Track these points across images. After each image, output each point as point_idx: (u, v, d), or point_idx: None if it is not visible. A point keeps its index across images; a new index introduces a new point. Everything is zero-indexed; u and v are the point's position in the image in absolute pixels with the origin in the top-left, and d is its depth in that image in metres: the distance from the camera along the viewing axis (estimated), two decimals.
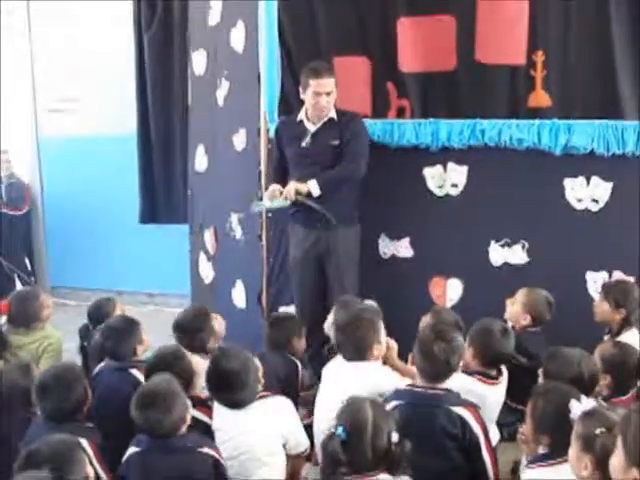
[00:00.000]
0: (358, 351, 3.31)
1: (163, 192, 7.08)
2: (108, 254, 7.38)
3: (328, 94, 4.27)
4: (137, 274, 7.10)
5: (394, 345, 3.59)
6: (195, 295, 5.80)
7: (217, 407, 3.14)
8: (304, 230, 4.48)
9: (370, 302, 4.32)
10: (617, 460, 1.77)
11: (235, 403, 3.03)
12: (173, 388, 2.84)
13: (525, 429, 2.70)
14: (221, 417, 3.10)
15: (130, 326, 3.65)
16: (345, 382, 3.19)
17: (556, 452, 2.50)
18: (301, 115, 4.43)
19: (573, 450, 2.16)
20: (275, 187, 4.36)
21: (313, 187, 4.24)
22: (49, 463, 2.09)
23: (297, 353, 3.89)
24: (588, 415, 2.21)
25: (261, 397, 3.12)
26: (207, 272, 5.61)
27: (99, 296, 4.57)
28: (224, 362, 3.06)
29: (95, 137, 7.32)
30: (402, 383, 3.21)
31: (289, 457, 3.18)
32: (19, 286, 7.44)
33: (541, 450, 2.60)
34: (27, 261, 7.89)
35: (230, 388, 3.01)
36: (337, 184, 4.32)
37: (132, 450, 2.83)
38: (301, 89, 4.36)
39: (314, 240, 4.45)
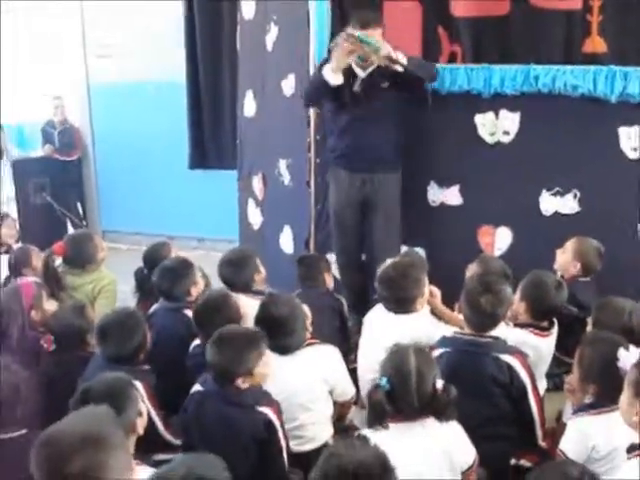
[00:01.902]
0: (402, 305, 3.33)
1: (212, 138, 7.12)
2: (158, 199, 7.49)
3: None
4: (187, 219, 7.20)
5: (437, 293, 3.60)
6: (243, 240, 5.87)
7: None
8: (348, 174, 4.42)
9: (417, 250, 4.34)
10: None
11: (282, 349, 3.05)
12: (251, 332, 2.89)
13: (572, 378, 2.71)
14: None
15: (185, 267, 3.70)
16: (390, 333, 3.17)
17: (602, 401, 2.52)
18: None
19: (625, 396, 2.15)
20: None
21: (401, 57, 4.11)
22: (104, 399, 2.14)
23: (328, 288, 3.92)
24: None
25: (309, 344, 3.15)
26: (255, 218, 5.66)
27: (150, 240, 4.65)
28: (273, 308, 3.08)
29: (144, 83, 7.39)
30: (448, 331, 3.21)
31: (336, 403, 3.23)
32: (71, 230, 7.63)
33: (587, 399, 2.61)
34: (79, 206, 8.05)
35: (278, 334, 3.02)
36: (421, 69, 4.21)
37: (196, 388, 2.87)
38: None
39: (359, 185, 4.40)
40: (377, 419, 2.43)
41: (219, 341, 2.76)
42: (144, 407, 2.54)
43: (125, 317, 3.19)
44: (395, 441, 2.26)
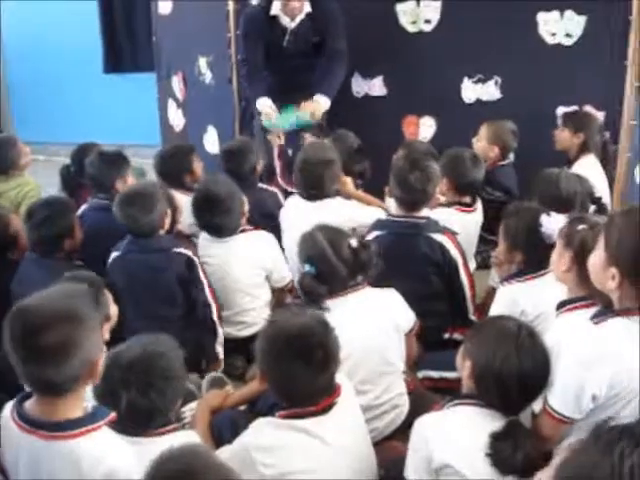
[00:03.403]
0: (318, 190, 3.37)
1: (126, 40, 6.91)
2: (75, 107, 7.26)
3: None
4: (107, 126, 6.97)
5: (347, 179, 3.68)
6: (166, 144, 5.75)
7: (202, 238, 3.25)
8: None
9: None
10: (597, 258, 1.84)
11: (219, 229, 3.14)
12: (155, 191, 3.01)
13: (498, 251, 2.79)
14: (206, 248, 3.20)
15: (121, 158, 3.66)
16: (306, 221, 3.25)
17: (529, 268, 2.61)
18: (275, 10, 4.15)
19: (555, 250, 2.23)
20: (268, 107, 4.17)
21: (325, 103, 4.12)
22: None
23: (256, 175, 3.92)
24: (575, 218, 2.27)
25: (243, 230, 3.21)
26: (177, 120, 5.55)
27: (68, 150, 4.50)
28: (212, 186, 3.18)
29: None
30: (369, 212, 3.35)
31: (273, 291, 3.30)
32: None
33: (515, 268, 2.71)
34: None
35: (216, 212, 3.10)
36: (337, 87, 4.21)
37: (114, 254, 3.03)
38: None
39: None
40: (315, 302, 2.47)
41: (125, 199, 2.97)
42: (113, 310, 2.52)
43: (51, 199, 3.24)
44: (339, 315, 2.31)
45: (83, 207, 3.60)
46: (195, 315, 3.05)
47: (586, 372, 1.76)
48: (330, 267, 2.45)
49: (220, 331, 3.06)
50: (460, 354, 1.97)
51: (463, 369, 1.92)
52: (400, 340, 2.51)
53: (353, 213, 3.37)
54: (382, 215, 3.30)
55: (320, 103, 4.10)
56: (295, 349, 1.90)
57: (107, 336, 2.33)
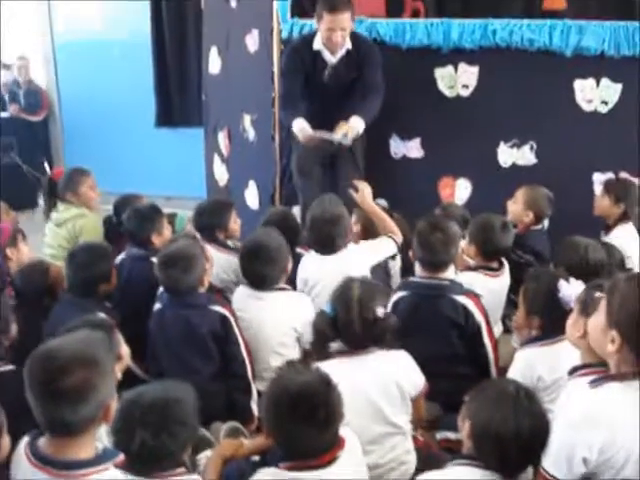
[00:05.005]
0: (329, 247, 3.43)
1: (178, 95, 7.19)
2: (125, 158, 7.50)
3: (343, 29, 4.11)
4: (154, 177, 7.21)
5: (365, 187, 3.75)
6: (210, 197, 5.90)
7: (239, 293, 3.33)
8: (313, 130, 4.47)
9: (381, 201, 4.43)
10: (598, 321, 1.87)
11: (263, 279, 3.20)
12: (195, 252, 3.07)
13: (518, 315, 2.81)
14: (241, 302, 3.27)
15: (154, 212, 3.77)
16: (320, 275, 3.38)
17: (547, 333, 2.63)
18: (318, 44, 4.24)
19: (571, 315, 2.24)
20: (304, 127, 4.18)
21: (359, 126, 4.15)
22: None
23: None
24: (593, 285, 2.29)
25: (282, 289, 3.28)
26: (221, 174, 5.71)
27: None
28: (264, 236, 3.33)
29: (110, 41, 7.34)
30: (381, 249, 3.51)
31: (304, 351, 3.31)
32: (40, 193, 7.62)
33: (533, 333, 2.72)
34: (46, 165, 8.02)
35: (262, 261, 3.18)
36: (374, 114, 4.26)
37: (156, 306, 3.10)
38: (315, 18, 4.19)
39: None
40: (320, 344, 2.54)
41: (165, 261, 3.01)
42: (124, 350, 2.60)
43: (93, 245, 3.40)
44: (344, 372, 2.34)
45: (121, 255, 3.73)
46: (230, 371, 3.08)
47: (577, 434, 1.78)
48: (348, 320, 2.48)
49: (254, 389, 3.09)
50: (461, 414, 2.00)
51: (463, 429, 1.95)
52: (405, 404, 2.52)
53: (367, 259, 3.45)
54: (393, 245, 3.52)
55: (354, 126, 4.12)
56: (297, 409, 1.94)
57: (119, 375, 2.41)
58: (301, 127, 4.16)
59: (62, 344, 1.83)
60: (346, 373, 2.38)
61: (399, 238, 3.62)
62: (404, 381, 2.51)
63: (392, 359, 2.53)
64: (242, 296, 3.29)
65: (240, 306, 3.24)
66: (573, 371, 2.17)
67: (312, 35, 4.30)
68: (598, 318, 1.88)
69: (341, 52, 4.24)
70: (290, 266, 3.31)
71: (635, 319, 1.77)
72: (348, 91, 4.31)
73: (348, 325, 2.48)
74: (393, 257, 3.81)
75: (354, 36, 4.23)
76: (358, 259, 3.42)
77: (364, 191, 3.73)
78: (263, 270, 3.19)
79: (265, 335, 3.19)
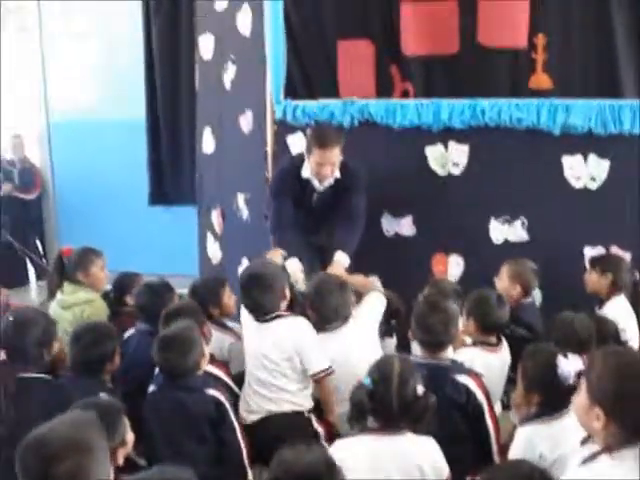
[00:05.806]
0: (326, 321, 3.47)
1: (171, 174, 7.23)
2: (118, 236, 7.47)
3: (332, 164, 4.19)
4: (147, 255, 7.19)
5: (339, 262, 3.96)
6: (203, 275, 5.91)
7: (244, 320, 3.44)
8: None
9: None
10: (580, 399, 1.89)
11: (259, 307, 3.29)
12: (192, 335, 3.05)
13: (516, 392, 2.80)
14: (246, 329, 3.40)
15: (167, 289, 3.80)
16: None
17: (546, 410, 2.61)
18: (306, 173, 4.30)
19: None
20: (297, 269, 4.11)
21: (345, 261, 4.14)
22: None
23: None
24: None
25: (280, 316, 3.34)
26: (214, 252, 5.74)
27: (111, 278, 4.64)
28: (259, 265, 3.54)
29: (104, 121, 7.44)
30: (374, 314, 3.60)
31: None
32: (31, 269, 7.63)
33: (533, 410, 2.70)
34: (39, 243, 8.04)
35: (258, 289, 3.26)
36: (356, 244, 4.26)
37: (151, 388, 3.08)
38: (305, 150, 4.28)
39: None
40: (358, 417, 2.51)
41: (163, 344, 3.01)
42: (130, 437, 2.57)
43: (98, 324, 3.38)
44: (369, 450, 2.36)
45: (130, 331, 3.74)
46: (225, 456, 3.04)
47: None
48: (386, 394, 2.46)
49: (250, 473, 3.06)
50: None
51: None
52: None
53: (370, 327, 3.55)
54: (380, 295, 3.71)
55: (340, 262, 4.12)
56: None
57: (121, 461, 2.38)
58: (294, 271, 4.07)
59: (54, 429, 1.81)
60: (371, 451, 2.39)
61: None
62: (427, 467, 2.47)
63: (420, 443, 2.50)
64: (248, 321, 3.41)
65: (245, 332, 3.43)
66: (585, 441, 2.15)
67: (301, 160, 4.34)
68: (580, 396, 1.89)
69: (329, 181, 4.30)
70: (288, 293, 3.41)
71: (616, 395, 1.79)
72: (334, 210, 4.33)
73: (385, 399, 2.46)
74: (390, 334, 3.83)
75: (342, 164, 4.27)
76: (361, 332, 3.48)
77: (336, 266, 3.90)
78: (258, 298, 3.28)
79: (269, 360, 3.29)
